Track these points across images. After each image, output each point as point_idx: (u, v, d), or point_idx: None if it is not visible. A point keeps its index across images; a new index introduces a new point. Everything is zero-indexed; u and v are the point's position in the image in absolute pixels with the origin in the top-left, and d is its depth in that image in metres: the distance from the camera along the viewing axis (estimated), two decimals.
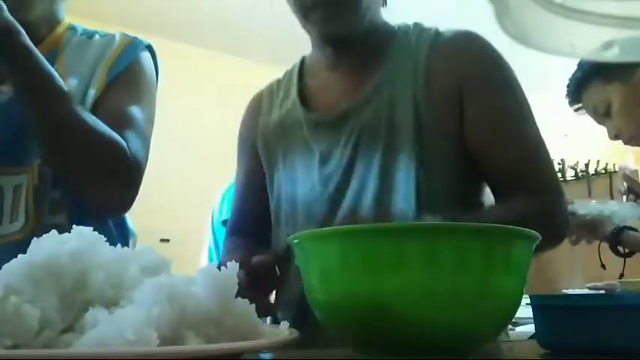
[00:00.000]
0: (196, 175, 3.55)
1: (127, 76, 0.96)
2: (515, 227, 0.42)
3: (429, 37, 0.87)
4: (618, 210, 1.48)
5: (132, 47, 0.99)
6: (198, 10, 3.84)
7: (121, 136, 0.87)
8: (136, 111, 0.94)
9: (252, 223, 0.97)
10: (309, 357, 0.53)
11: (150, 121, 0.97)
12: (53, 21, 1.00)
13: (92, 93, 0.93)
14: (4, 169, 0.88)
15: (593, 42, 0.29)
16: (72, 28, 1.02)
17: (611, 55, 0.29)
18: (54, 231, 0.41)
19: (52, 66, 0.90)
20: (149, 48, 1.03)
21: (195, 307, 0.38)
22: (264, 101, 1.00)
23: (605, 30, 0.28)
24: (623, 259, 1.52)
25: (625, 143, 1.43)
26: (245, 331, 0.40)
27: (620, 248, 1.50)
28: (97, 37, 1.01)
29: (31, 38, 0.88)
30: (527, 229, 0.42)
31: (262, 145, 0.95)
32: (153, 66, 1.03)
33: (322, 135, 0.87)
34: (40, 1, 0.94)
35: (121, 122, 0.90)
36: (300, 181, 0.87)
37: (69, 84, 0.92)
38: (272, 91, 1.00)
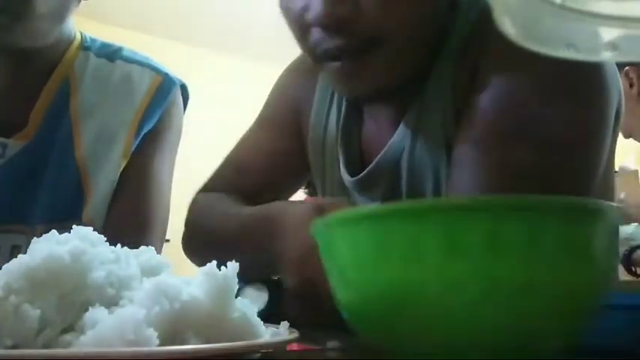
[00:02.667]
0: (197, 176, 3.55)
1: (155, 134, 0.86)
2: (599, 201, 0.34)
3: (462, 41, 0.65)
4: (635, 231, 1.49)
5: (163, 93, 0.87)
6: (199, 11, 3.84)
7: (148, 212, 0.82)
8: (161, 177, 0.87)
9: (238, 187, 0.80)
10: (309, 357, 0.53)
11: (171, 178, 0.91)
12: (64, 41, 0.85)
13: (118, 157, 0.83)
14: (3, 227, 0.80)
15: (593, 42, 0.29)
16: (85, 48, 0.87)
17: (611, 55, 0.29)
18: (53, 231, 0.42)
19: (64, 108, 0.82)
20: (182, 87, 0.91)
21: (195, 307, 0.38)
22: (318, 92, 0.81)
23: (605, 30, 0.28)
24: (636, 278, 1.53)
25: (625, 138, 1.45)
26: (245, 331, 0.40)
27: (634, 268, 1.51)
28: (119, 62, 0.87)
29: (41, 68, 0.82)
30: (613, 204, 0.35)
31: (316, 174, 0.83)
32: (182, 109, 0.91)
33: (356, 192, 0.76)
34: (54, 23, 0.78)
35: (149, 197, 0.84)
36: None
37: (82, 130, 0.83)
38: (327, 91, 0.81)
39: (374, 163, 0.72)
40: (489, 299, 0.31)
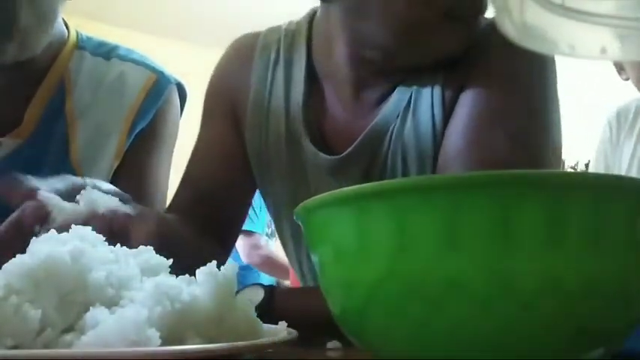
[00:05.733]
0: None
1: (150, 133, 0.85)
2: None
3: None
4: None
5: (157, 91, 0.85)
6: (199, 11, 3.84)
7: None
8: (156, 176, 0.86)
9: (197, 201, 0.79)
10: (309, 357, 0.53)
11: (167, 177, 0.89)
12: (56, 41, 0.82)
13: (111, 156, 0.82)
14: None
15: (593, 42, 0.29)
16: (80, 48, 0.85)
17: (612, 56, 0.29)
18: (53, 231, 0.42)
19: (60, 107, 0.81)
20: (178, 85, 0.89)
21: (196, 307, 0.38)
22: (254, 70, 0.80)
23: (605, 30, 0.28)
24: None
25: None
26: (245, 331, 0.40)
27: None
28: (114, 61, 0.85)
29: (35, 69, 0.81)
30: None
31: (255, 155, 0.80)
32: (178, 108, 0.90)
33: (328, 175, 0.74)
34: (41, 33, 0.75)
35: (144, 196, 0.82)
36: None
37: (77, 130, 0.82)
38: (267, 63, 0.79)
39: (358, 141, 0.71)
40: (504, 299, 0.27)
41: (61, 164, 0.82)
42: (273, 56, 0.79)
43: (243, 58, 0.81)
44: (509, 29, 0.28)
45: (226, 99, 0.82)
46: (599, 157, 1.56)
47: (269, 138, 0.78)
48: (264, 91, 0.78)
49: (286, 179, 0.77)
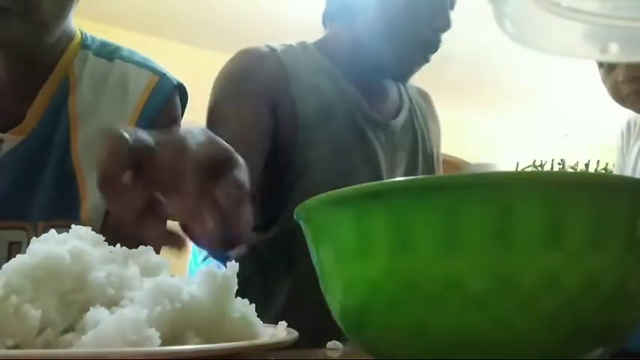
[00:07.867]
0: None
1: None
2: None
3: (416, 92, 1.13)
4: None
5: (159, 93, 0.87)
6: (199, 11, 3.84)
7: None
8: None
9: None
10: (309, 357, 0.53)
11: None
12: (65, 39, 0.84)
13: None
14: (2, 223, 0.79)
15: (592, 42, 0.29)
16: (85, 47, 0.86)
17: (610, 55, 0.29)
18: (52, 230, 0.41)
19: (63, 106, 0.82)
20: (179, 87, 0.91)
21: (196, 307, 0.38)
22: (289, 73, 0.97)
23: (604, 30, 0.28)
24: None
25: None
26: (244, 331, 0.40)
27: None
28: (117, 62, 0.87)
29: (41, 65, 0.82)
30: None
31: (303, 129, 0.95)
32: (180, 110, 0.92)
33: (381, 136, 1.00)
34: (59, 20, 0.77)
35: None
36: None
37: (79, 129, 0.82)
38: (295, 60, 0.99)
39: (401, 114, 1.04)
40: (503, 297, 0.27)
41: (63, 162, 0.82)
42: (299, 61, 1.00)
43: (276, 70, 0.97)
44: (508, 29, 0.28)
45: (261, 83, 0.96)
46: (616, 166, 1.58)
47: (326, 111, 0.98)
48: (297, 77, 0.98)
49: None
